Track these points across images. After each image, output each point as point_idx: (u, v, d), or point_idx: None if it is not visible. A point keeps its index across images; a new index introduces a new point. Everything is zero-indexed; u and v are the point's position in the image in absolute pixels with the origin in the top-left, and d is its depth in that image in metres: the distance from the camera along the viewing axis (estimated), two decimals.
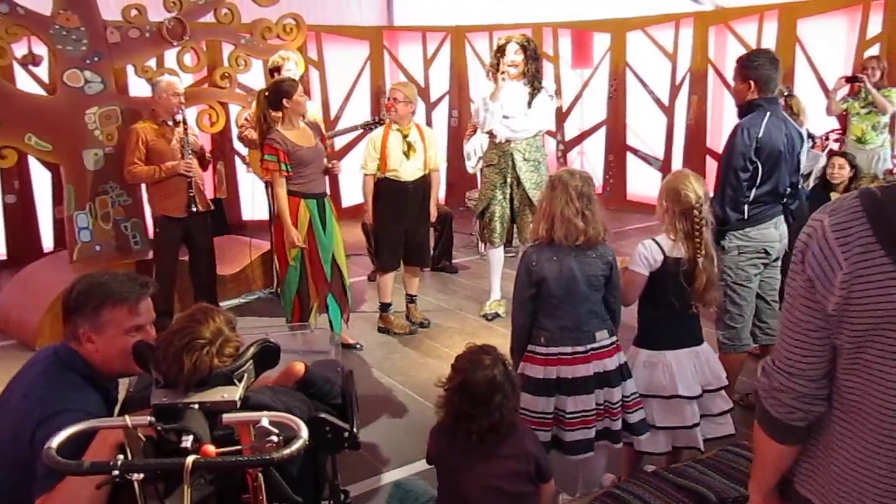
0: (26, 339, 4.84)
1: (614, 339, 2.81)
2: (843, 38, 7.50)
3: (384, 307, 5.11)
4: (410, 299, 5.23)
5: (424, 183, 4.92)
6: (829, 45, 7.48)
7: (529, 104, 4.88)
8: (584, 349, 2.72)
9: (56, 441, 1.43)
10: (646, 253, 2.78)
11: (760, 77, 3.38)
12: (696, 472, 2.65)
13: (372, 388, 4.21)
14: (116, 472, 1.37)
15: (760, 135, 3.32)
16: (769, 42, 7.69)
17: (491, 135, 5.03)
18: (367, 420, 3.77)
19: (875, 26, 7.05)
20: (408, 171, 4.81)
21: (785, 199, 3.57)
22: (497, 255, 5.28)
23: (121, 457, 1.42)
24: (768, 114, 3.38)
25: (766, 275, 3.61)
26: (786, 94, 4.33)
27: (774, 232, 3.50)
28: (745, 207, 3.41)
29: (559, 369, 2.72)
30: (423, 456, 2.47)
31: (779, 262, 3.65)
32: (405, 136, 4.77)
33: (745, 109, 3.46)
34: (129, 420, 1.48)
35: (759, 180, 3.38)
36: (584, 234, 2.67)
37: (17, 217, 7.04)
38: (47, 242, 7.22)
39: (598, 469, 3.00)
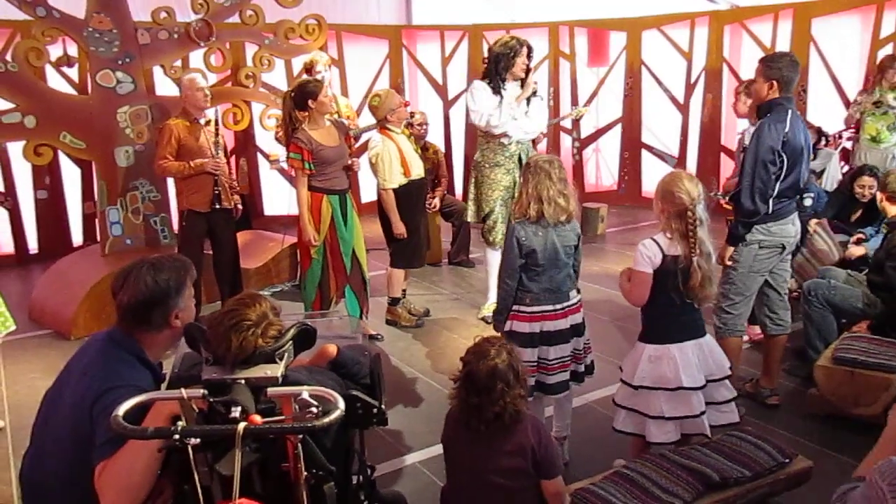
0: (61, 329, 5.06)
1: (580, 296, 3.33)
2: (857, 37, 7.58)
3: (395, 301, 5.24)
4: (404, 294, 5.36)
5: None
6: (843, 45, 7.56)
7: (527, 106, 4.90)
8: (562, 306, 3.21)
9: (122, 409, 1.61)
10: (647, 252, 2.91)
11: (783, 77, 3.51)
12: (700, 454, 2.78)
13: (392, 376, 4.37)
14: (177, 437, 1.54)
15: (787, 130, 3.44)
16: (784, 41, 7.77)
17: (498, 136, 4.95)
18: (388, 406, 3.91)
19: (889, 26, 7.12)
20: (421, 165, 5.00)
21: (801, 195, 3.72)
22: (496, 256, 4.97)
23: (181, 423, 1.59)
24: (790, 111, 3.50)
25: (778, 267, 3.73)
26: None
27: (791, 228, 3.64)
28: (770, 202, 3.52)
29: (542, 324, 3.18)
30: (440, 441, 2.59)
31: (790, 255, 3.79)
32: (409, 136, 4.93)
33: (765, 108, 3.58)
34: (184, 392, 1.65)
35: (782, 175, 3.50)
36: (566, 212, 3.17)
37: (48, 212, 7.25)
38: (76, 237, 7.43)
39: (568, 407, 3.43)
